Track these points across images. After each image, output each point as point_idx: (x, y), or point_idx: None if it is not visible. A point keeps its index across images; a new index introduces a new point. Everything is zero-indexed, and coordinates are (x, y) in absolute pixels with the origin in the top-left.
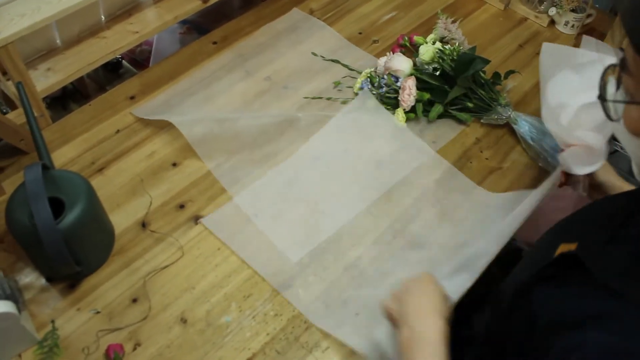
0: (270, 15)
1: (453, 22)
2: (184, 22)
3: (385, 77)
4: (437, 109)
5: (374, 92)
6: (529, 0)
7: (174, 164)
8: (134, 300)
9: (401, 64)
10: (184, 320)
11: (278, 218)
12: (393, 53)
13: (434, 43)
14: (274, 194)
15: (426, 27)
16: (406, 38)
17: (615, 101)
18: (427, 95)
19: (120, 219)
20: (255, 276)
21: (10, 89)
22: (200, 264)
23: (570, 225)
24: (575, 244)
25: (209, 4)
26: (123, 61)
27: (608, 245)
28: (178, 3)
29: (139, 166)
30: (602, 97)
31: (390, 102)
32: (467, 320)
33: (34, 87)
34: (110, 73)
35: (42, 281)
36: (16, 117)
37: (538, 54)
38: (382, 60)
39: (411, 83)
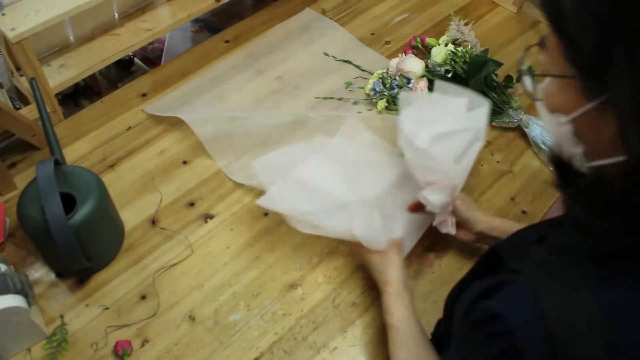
0: (282, 14)
1: (466, 24)
2: (196, 21)
3: (397, 78)
4: None
5: (386, 94)
6: None
7: (185, 162)
8: (143, 297)
9: (413, 65)
10: (192, 318)
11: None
12: (405, 54)
13: (446, 45)
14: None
15: (438, 29)
16: (418, 40)
17: (533, 75)
18: None
19: (131, 216)
20: (264, 275)
21: (24, 84)
22: (209, 262)
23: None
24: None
25: (221, 2)
26: (135, 59)
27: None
28: (191, 1)
29: (150, 163)
30: (520, 72)
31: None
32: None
33: (47, 83)
34: (122, 70)
35: (52, 276)
36: (29, 112)
37: None
38: (394, 62)
39: (423, 84)
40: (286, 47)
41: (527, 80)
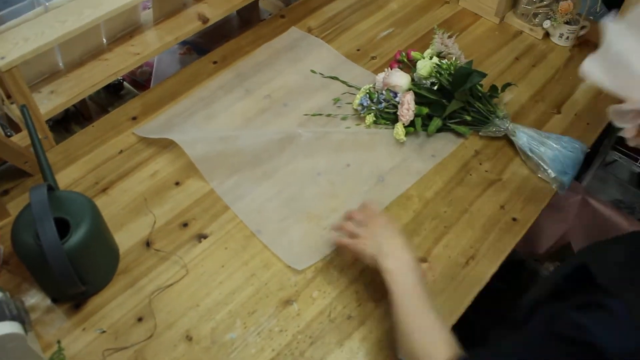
0: (268, 34)
1: (450, 37)
2: (183, 43)
3: (384, 92)
4: (436, 122)
5: (373, 108)
6: (524, 14)
7: (177, 183)
8: (139, 319)
9: (399, 79)
10: (189, 338)
11: (282, 233)
12: (391, 69)
13: (431, 58)
14: (276, 210)
15: (423, 43)
16: (404, 54)
17: None
18: (425, 110)
19: (125, 239)
20: (259, 292)
21: (15, 112)
22: (204, 282)
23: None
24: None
25: (208, 24)
26: (124, 82)
27: (621, 266)
28: (178, 24)
29: (142, 186)
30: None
31: (389, 117)
32: (483, 337)
33: (38, 109)
34: (112, 94)
35: (48, 302)
36: (20, 139)
37: (534, 66)
38: (380, 76)
39: (409, 98)
40: (273, 66)
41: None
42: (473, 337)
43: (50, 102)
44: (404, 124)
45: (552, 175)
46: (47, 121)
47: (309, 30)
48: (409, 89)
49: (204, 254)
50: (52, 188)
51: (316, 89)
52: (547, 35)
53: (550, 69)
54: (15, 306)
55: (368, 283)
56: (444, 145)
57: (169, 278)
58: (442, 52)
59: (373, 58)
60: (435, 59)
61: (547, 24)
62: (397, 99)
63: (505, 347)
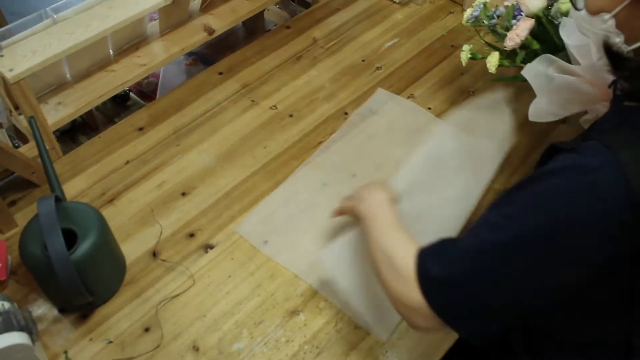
0: (274, 45)
1: None
2: (189, 54)
3: (502, 8)
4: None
5: (485, 22)
6: None
7: (183, 194)
8: (146, 330)
9: None
10: (196, 349)
11: (289, 244)
12: None
13: None
14: (284, 220)
15: (427, 53)
16: None
17: None
18: (536, 45)
19: (131, 249)
20: (266, 302)
21: (22, 123)
22: (211, 292)
23: None
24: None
25: (214, 36)
26: (131, 93)
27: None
28: (184, 36)
29: (149, 196)
30: None
31: (498, 37)
32: None
33: (45, 121)
34: (119, 105)
35: (55, 312)
36: (28, 150)
37: None
38: None
39: (526, 25)
40: (279, 77)
41: None
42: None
43: (57, 113)
44: (503, 52)
45: None
46: (54, 132)
47: (314, 41)
48: (536, 16)
49: (210, 264)
50: (59, 199)
51: (322, 100)
52: None
53: None
54: (23, 316)
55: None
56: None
57: (175, 288)
58: None
59: (378, 69)
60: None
61: None
62: (513, 22)
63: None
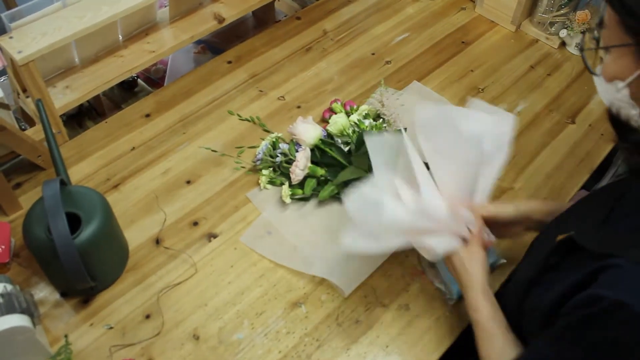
0: (283, 36)
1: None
2: (198, 42)
3: (286, 144)
4: (330, 189)
5: (271, 160)
6: (540, 22)
7: (188, 182)
8: (147, 316)
9: (307, 131)
10: (196, 337)
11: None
12: (324, 116)
13: (365, 116)
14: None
15: (438, 49)
16: (338, 103)
17: (591, 49)
18: (321, 172)
19: (135, 235)
20: (268, 293)
21: (30, 106)
22: (213, 281)
23: (564, 219)
24: (571, 232)
25: (224, 24)
26: (138, 80)
27: (602, 226)
28: (194, 23)
29: (154, 183)
30: (582, 51)
31: (286, 174)
32: None
33: (53, 104)
34: (126, 91)
35: (57, 296)
36: (34, 133)
37: (549, 75)
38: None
39: (304, 155)
40: (288, 68)
41: (587, 56)
42: None
43: (65, 97)
44: (290, 184)
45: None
46: (60, 116)
47: (325, 33)
48: (315, 145)
49: (213, 253)
50: (64, 183)
51: (330, 92)
52: (563, 44)
53: (566, 79)
54: (25, 299)
55: (377, 287)
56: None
57: (178, 276)
58: (378, 110)
59: (387, 63)
60: (355, 117)
61: (563, 33)
62: (297, 151)
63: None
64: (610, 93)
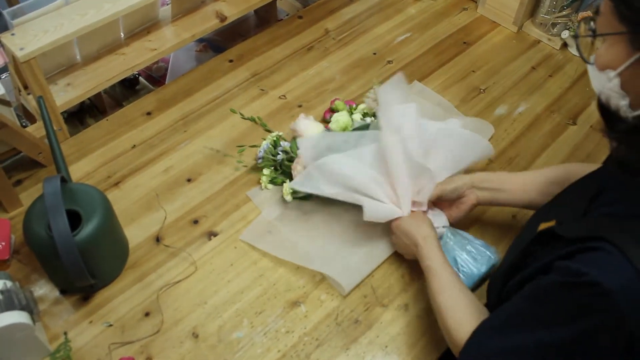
0: (285, 35)
1: None
2: (200, 40)
3: (287, 142)
4: None
5: (272, 159)
6: (542, 23)
7: (189, 180)
8: (147, 314)
9: (308, 128)
10: (195, 335)
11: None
12: (324, 117)
13: (364, 115)
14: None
15: (440, 49)
16: (339, 102)
17: (586, 36)
18: None
19: (135, 233)
20: (267, 292)
21: (31, 103)
22: (213, 280)
23: (547, 208)
24: (553, 221)
25: (226, 23)
26: (140, 77)
27: (582, 218)
28: (196, 22)
29: (155, 181)
30: (577, 38)
31: (287, 172)
32: None
33: (54, 101)
34: (127, 89)
35: (56, 293)
36: (35, 130)
37: (550, 76)
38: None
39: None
40: (289, 67)
41: (582, 45)
42: None
43: (66, 94)
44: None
45: None
46: (61, 113)
47: (327, 32)
48: None
49: (213, 251)
50: (65, 180)
51: (331, 91)
52: (564, 45)
53: (567, 80)
54: (25, 296)
55: (376, 287)
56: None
57: (177, 274)
58: (374, 109)
59: (389, 62)
60: (358, 115)
61: (565, 34)
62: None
63: (506, 312)
64: (601, 82)
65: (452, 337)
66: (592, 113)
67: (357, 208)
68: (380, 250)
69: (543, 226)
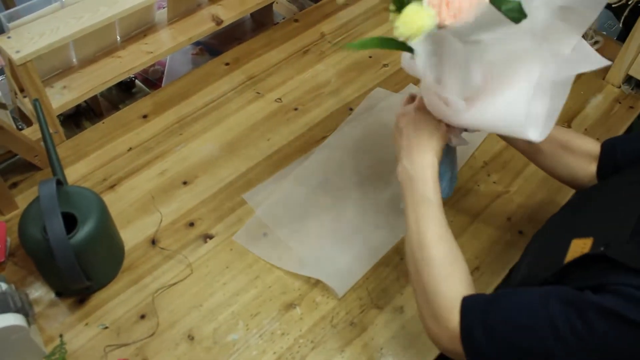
0: (281, 38)
1: None
2: (196, 43)
3: None
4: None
5: None
6: None
7: (185, 182)
8: (142, 317)
9: None
10: (191, 338)
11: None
12: None
13: None
14: (292, 209)
15: None
16: None
17: None
18: None
19: (131, 236)
20: (262, 295)
21: (27, 105)
22: (208, 282)
23: (575, 219)
24: (591, 239)
25: (222, 26)
26: (136, 80)
27: (634, 237)
28: (192, 25)
29: (150, 184)
30: None
31: None
32: None
33: (50, 104)
34: (124, 92)
35: (52, 295)
36: (31, 133)
37: None
38: None
39: None
40: (285, 70)
41: None
42: None
43: (62, 97)
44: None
45: None
46: (58, 116)
47: (322, 36)
48: None
49: (209, 254)
50: (60, 183)
51: (327, 95)
52: None
53: None
54: (20, 298)
55: (371, 290)
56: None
57: (173, 277)
58: None
59: (385, 66)
60: None
61: None
62: None
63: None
64: None
65: (443, 295)
66: (587, 116)
67: (353, 207)
68: (374, 251)
69: (579, 244)
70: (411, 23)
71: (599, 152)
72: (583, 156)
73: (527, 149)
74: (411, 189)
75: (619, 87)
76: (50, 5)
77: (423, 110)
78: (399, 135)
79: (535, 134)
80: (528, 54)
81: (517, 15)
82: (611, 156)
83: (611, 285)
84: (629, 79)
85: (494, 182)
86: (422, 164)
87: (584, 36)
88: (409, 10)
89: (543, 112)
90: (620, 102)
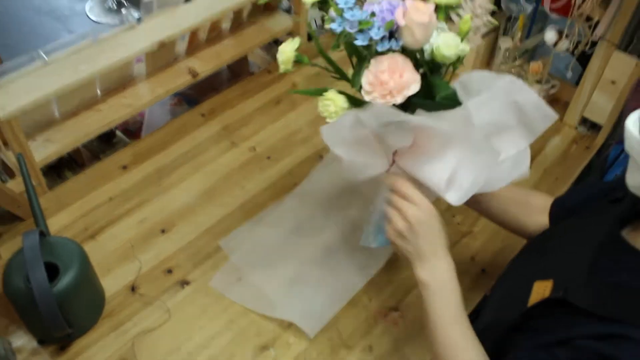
0: (255, 88)
1: None
2: (175, 94)
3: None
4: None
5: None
6: (498, 72)
7: (163, 231)
8: None
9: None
10: None
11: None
12: None
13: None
14: (264, 254)
15: None
16: None
17: None
18: None
19: (111, 283)
20: (238, 337)
21: (11, 158)
22: (186, 327)
23: (537, 261)
24: (550, 281)
25: (198, 79)
26: (116, 131)
27: (591, 279)
28: (169, 78)
29: (130, 232)
30: None
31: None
32: None
33: (33, 157)
34: (104, 142)
35: (34, 343)
36: (15, 185)
37: None
38: None
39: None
40: (259, 120)
41: None
42: None
43: (45, 150)
44: None
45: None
46: (40, 168)
47: (293, 86)
48: None
49: (186, 299)
50: (43, 234)
51: (299, 142)
52: None
53: None
54: (3, 347)
55: (342, 330)
56: None
57: (152, 322)
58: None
59: None
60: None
61: None
62: None
63: None
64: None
65: None
66: (546, 157)
67: (323, 251)
68: (344, 292)
69: (541, 286)
70: (327, 106)
71: (550, 205)
72: (534, 210)
73: (477, 208)
74: (440, 301)
75: (576, 128)
76: (34, 63)
77: (416, 207)
78: (402, 241)
79: (454, 197)
80: (457, 138)
81: (452, 103)
82: (562, 205)
83: (576, 339)
84: (584, 121)
85: (458, 223)
86: (442, 278)
87: (542, 81)
88: (329, 94)
89: (467, 181)
90: (577, 143)
